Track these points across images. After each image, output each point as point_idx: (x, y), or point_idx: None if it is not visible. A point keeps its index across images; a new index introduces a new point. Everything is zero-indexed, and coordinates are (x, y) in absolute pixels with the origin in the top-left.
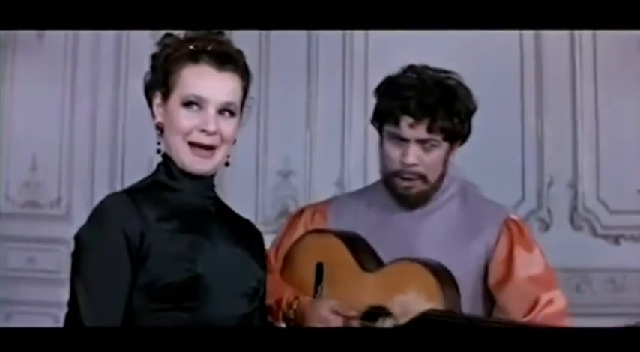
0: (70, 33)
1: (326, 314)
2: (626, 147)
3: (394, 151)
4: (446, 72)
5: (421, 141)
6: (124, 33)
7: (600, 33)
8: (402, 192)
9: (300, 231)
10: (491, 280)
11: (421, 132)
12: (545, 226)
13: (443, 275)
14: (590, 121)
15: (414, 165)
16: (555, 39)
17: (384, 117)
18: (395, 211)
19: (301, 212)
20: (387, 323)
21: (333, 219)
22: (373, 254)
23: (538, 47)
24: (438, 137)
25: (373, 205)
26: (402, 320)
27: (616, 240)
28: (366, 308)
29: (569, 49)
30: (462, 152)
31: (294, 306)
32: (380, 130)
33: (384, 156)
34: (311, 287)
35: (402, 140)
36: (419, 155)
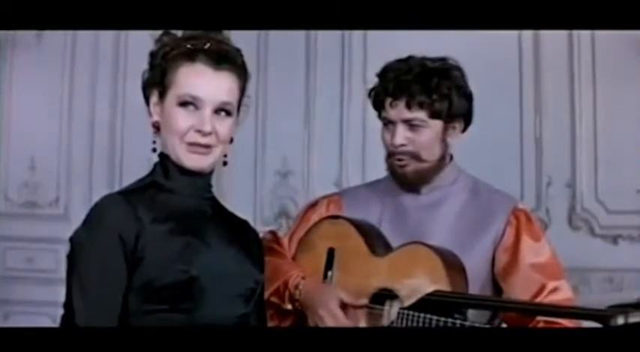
0: (69, 33)
1: (333, 306)
2: (625, 147)
3: (386, 136)
4: (442, 59)
5: (406, 121)
6: (122, 33)
7: (599, 33)
8: (398, 171)
9: (314, 220)
10: (497, 268)
11: (402, 110)
12: (544, 226)
13: (449, 259)
14: (588, 121)
15: (401, 145)
16: (554, 39)
17: (374, 104)
18: (403, 198)
19: (315, 203)
20: (394, 305)
21: (348, 208)
22: (384, 241)
23: (537, 47)
24: (421, 115)
25: (384, 195)
26: (408, 303)
27: (614, 240)
28: (373, 291)
29: (568, 49)
30: (460, 152)
31: (301, 287)
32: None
33: (383, 143)
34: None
35: (391, 123)
36: (408, 136)
